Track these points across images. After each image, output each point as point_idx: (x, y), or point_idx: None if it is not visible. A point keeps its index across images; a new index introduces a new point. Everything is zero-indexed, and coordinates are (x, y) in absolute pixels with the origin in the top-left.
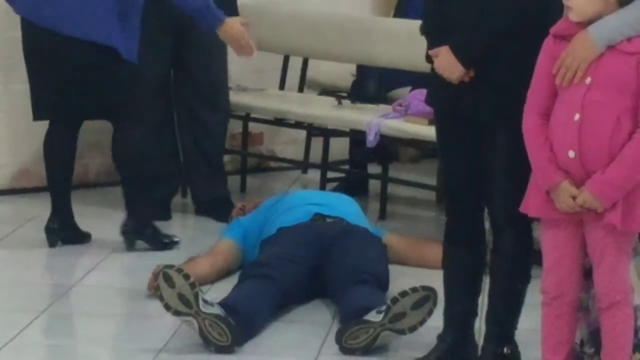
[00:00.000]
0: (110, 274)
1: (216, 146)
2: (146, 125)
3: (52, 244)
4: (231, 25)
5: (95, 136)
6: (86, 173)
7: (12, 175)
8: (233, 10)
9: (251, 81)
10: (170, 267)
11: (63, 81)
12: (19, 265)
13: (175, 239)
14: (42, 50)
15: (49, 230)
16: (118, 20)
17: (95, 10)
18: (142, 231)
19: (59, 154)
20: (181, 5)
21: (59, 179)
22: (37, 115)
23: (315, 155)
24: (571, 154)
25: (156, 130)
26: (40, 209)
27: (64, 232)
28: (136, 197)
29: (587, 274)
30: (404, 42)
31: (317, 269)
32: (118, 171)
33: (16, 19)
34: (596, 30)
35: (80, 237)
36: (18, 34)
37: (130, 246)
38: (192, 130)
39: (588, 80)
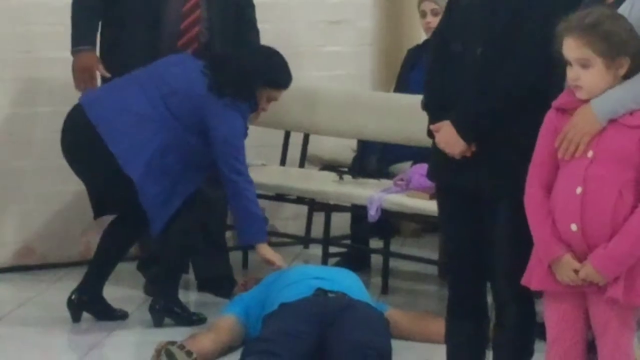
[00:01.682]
0: (112, 351)
1: (218, 223)
2: (194, 210)
3: (75, 318)
4: (267, 248)
5: None
6: (88, 250)
7: (15, 253)
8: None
9: (252, 157)
10: (173, 343)
11: (98, 177)
12: (20, 343)
13: (202, 316)
14: (81, 141)
15: (70, 303)
16: (159, 180)
17: (141, 147)
18: (171, 309)
19: (102, 243)
20: (237, 204)
21: (99, 259)
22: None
23: (317, 230)
24: (573, 227)
25: None
26: (42, 287)
27: (90, 305)
28: (171, 278)
29: (589, 347)
30: (404, 117)
31: (320, 344)
32: (159, 250)
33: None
34: (598, 103)
35: (110, 313)
36: (20, 109)
37: (158, 323)
38: None
39: (590, 153)
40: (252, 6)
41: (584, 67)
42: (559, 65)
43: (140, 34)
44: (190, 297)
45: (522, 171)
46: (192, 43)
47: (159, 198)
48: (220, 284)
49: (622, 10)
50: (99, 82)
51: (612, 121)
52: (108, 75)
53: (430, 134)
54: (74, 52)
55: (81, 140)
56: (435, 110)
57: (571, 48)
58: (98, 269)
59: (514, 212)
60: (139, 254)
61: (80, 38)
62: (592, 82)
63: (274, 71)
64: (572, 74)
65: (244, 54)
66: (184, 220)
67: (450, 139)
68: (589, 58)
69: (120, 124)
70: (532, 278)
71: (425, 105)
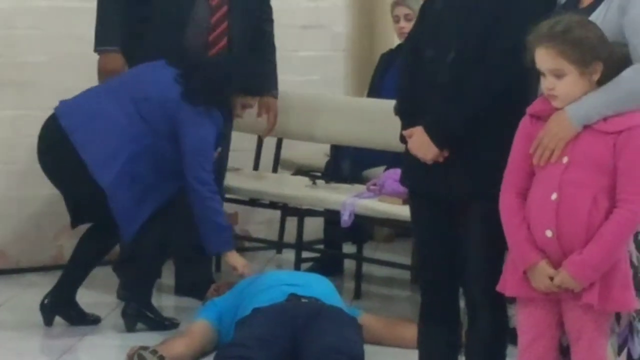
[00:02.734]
0: (85, 355)
1: None
2: (174, 218)
3: (48, 322)
4: (234, 256)
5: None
6: (61, 254)
7: None
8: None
9: None
10: (145, 348)
11: (71, 187)
12: None
13: (175, 321)
14: (55, 150)
15: (43, 307)
16: (129, 187)
17: (112, 155)
18: (144, 314)
19: (78, 248)
20: (200, 213)
21: (73, 264)
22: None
23: (290, 235)
24: (548, 233)
25: None
26: (14, 291)
27: (62, 309)
28: (144, 283)
29: (564, 351)
30: (377, 122)
31: (293, 350)
32: (135, 254)
33: None
34: (573, 109)
35: (83, 318)
36: None
37: (130, 328)
38: None
39: (565, 159)
40: (271, 21)
41: (558, 77)
42: (533, 71)
43: (164, 39)
44: (163, 302)
45: (495, 177)
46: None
47: (129, 206)
48: (201, 287)
49: (596, 15)
50: None
51: (586, 127)
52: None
53: (403, 139)
54: (99, 52)
55: (55, 150)
56: (407, 116)
57: (543, 59)
58: (72, 273)
59: (487, 217)
60: (117, 256)
61: (106, 37)
62: (567, 90)
63: (248, 78)
64: (547, 83)
65: (218, 61)
66: (161, 225)
67: (422, 145)
68: (562, 67)
69: (92, 132)
70: (507, 284)
71: (398, 111)
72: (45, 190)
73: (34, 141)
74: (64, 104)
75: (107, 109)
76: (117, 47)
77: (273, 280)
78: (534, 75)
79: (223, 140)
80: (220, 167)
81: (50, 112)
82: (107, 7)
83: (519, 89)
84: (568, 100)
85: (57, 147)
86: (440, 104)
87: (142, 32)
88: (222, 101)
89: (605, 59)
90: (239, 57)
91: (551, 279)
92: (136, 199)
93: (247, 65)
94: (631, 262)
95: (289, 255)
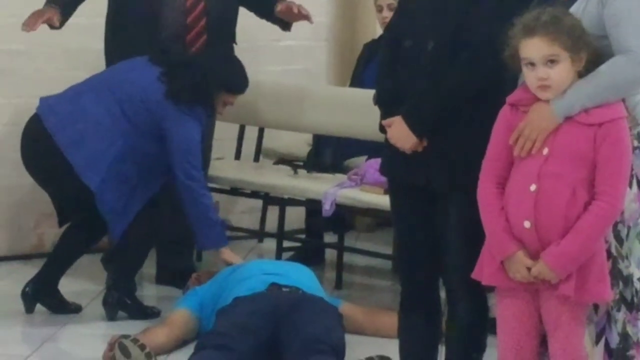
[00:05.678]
0: (65, 344)
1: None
2: (159, 210)
3: (29, 310)
4: (228, 252)
5: (50, 206)
6: (42, 243)
7: None
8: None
9: None
10: (126, 337)
11: (54, 184)
12: None
13: (156, 310)
14: (39, 151)
15: (24, 295)
16: (116, 187)
17: (99, 156)
18: (125, 302)
19: (63, 238)
20: (193, 210)
21: (58, 254)
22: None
23: (271, 224)
24: (527, 224)
25: None
26: None
27: (44, 297)
28: (128, 272)
29: (543, 340)
30: (359, 112)
31: (274, 339)
32: (118, 244)
33: None
34: (555, 101)
35: (64, 306)
36: None
37: (111, 317)
38: None
39: (545, 151)
40: None
41: (552, 64)
42: (514, 62)
43: (140, 35)
44: (144, 291)
45: (474, 166)
46: (201, 36)
47: (117, 206)
48: (183, 277)
49: (575, 8)
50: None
51: (568, 119)
52: (57, 24)
53: (382, 129)
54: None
55: (40, 151)
56: (387, 106)
57: (537, 47)
58: (55, 262)
59: (466, 207)
60: (107, 248)
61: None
62: (560, 78)
63: (231, 76)
64: (540, 73)
65: (201, 59)
66: (146, 218)
67: (401, 134)
68: (558, 53)
69: (77, 132)
70: (484, 272)
71: (377, 101)
72: (25, 179)
73: (12, 130)
74: (46, 103)
75: (91, 109)
76: (55, 6)
77: (254, 270)
78: (513, 66)
79: (205, 137)
80: (203, 162)
81: (28, 100)
82: None
83: (499, 78)
84: (560, 90)
85: (41, 147)
86: (419, 93)
87: (120, 36)
88: (205, 99)
89: (589, 49)
90: (222, 56)
91: (528, 269)
92: (124, 199)
93: (229, 64)
94: (610, 252)
95: (271, 244)
